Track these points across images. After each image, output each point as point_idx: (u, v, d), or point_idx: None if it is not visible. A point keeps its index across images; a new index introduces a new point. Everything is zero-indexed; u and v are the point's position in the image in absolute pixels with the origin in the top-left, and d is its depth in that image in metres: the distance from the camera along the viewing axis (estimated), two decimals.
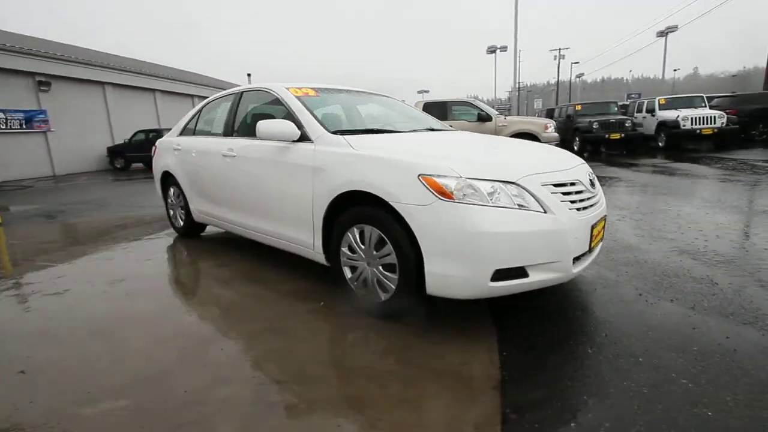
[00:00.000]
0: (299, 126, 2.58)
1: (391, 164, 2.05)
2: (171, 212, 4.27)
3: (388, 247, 2.08)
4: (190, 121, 3.95)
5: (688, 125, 11.37)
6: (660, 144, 12.21)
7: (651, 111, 12.82)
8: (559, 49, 45.66)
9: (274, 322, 2.29)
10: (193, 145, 3.67)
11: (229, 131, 3.30)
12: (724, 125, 11.21)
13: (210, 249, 3.77)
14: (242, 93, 3.32)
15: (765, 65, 18.94)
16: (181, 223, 4.12)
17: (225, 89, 4.47)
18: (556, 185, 2.02)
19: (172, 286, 2.97)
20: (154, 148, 4.46)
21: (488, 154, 2.37)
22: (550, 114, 15.76)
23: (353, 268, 2.33)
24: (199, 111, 3.88)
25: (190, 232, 4.09)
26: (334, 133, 2.49)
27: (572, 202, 2.05)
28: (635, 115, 13.46)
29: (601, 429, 1.39)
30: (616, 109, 13.69)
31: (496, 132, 9.11)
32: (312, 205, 2.44)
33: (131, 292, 2.78)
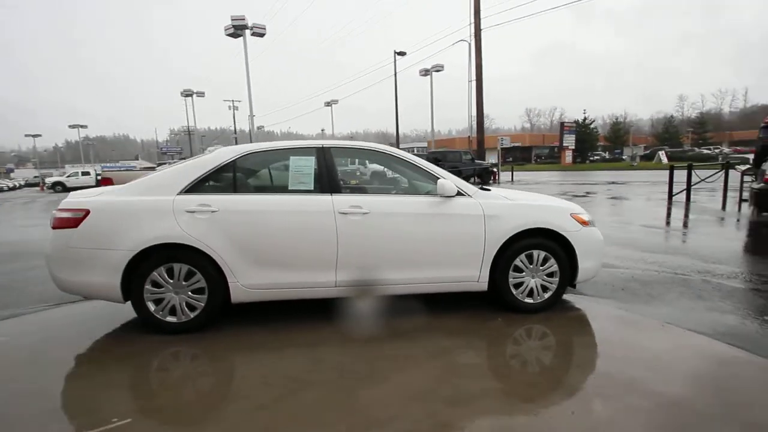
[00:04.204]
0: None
1: (555, 209, 3.36)
2: (154, 305, 2.95)
3: (552, 261, 3.28)
4: (207, 175, 3.03)
5: None
6: None
7: None
8: (232, 100, 49.09)
9: (506, 339, 2.92)
10: (257, 205, 2.99)
11: (330, 188, 3.10)
12: None
13: (272, 340, 3.12)
14: (330, 148, 3.21)
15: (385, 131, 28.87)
16: (191, 315, 3.00)
17: None
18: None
19: None
20: (83, 212, 2.90)
21: (563, 201, 3.82)
22: None
23: (517, 285, 3.28)
24: (227, 164, 3.09)
25: (203, 324, 3.05)
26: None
27: None
28: None
29: (654, 299, 3.35)
30: None
31: None
32: (484, 245, 3.17)
33: None
